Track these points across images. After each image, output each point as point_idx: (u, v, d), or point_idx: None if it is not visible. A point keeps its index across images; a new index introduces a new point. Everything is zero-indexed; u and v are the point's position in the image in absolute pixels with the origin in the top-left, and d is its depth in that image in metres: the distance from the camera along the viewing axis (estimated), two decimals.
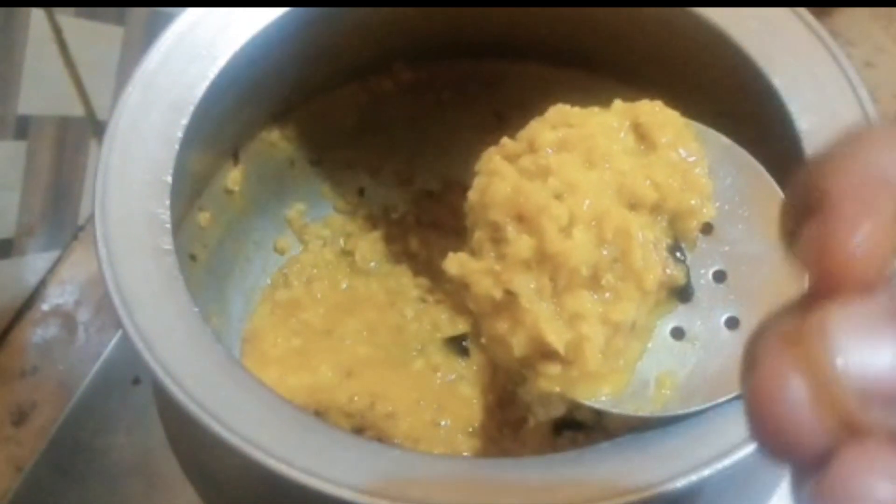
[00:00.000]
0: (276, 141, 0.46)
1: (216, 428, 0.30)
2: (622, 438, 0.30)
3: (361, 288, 0.48)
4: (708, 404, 0.30)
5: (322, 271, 0.48)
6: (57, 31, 0.49)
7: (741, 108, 0.37)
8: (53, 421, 0.49)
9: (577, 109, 0.31)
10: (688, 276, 0.31)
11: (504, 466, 0.30)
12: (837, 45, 0.37)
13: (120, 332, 0.51)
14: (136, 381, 0.50)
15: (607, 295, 0.29)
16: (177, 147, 0.36)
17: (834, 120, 0.35)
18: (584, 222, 0.29)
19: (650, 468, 0.29)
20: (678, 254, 0.31)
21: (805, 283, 0.17)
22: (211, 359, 0.31)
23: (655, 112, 0.30)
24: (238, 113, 0.42)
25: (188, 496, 0.40)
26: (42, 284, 0.54)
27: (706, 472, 0.29)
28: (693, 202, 0.31)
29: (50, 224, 0.53)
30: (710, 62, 0.39)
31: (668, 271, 0.30)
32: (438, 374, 0.45)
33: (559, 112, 0.31)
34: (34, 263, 0.53)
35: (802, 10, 0.37)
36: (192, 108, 0.36)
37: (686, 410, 0.30)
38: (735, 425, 0.29)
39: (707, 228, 0.32)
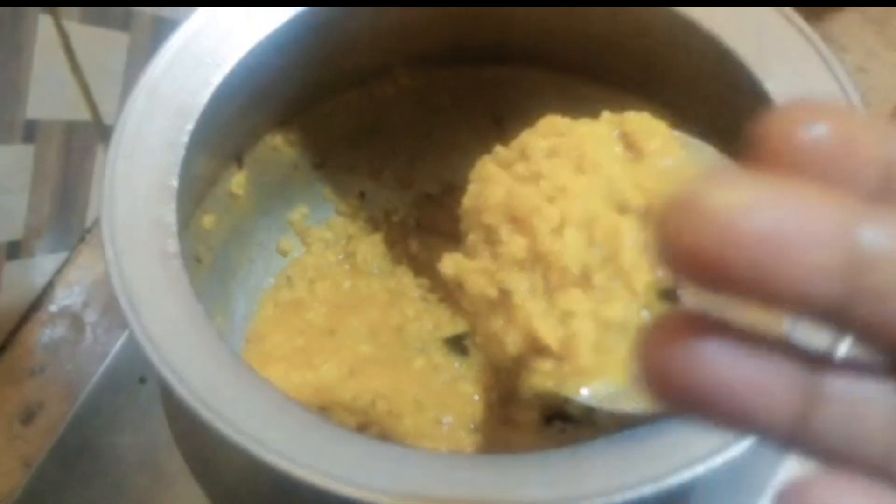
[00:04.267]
0: (280, 146, 0.46)
1: (221, 426, 0.30)
2: (616, 436, 0.30)
3: (363, 288, 0.48)
4: None
5: (324, 272, 0.48)
6: (64, 38, 0.49)
7: (734, 112, 0.37)
8: (61, 420, 0.49)
9: (567, 120, 0.31)
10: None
11: (502, 463, 0.30)
12: (830, 50, 0.37)
13: (126, 333, 0.51)
14: (143, 381, 0.50)
15: (598, 293, 0.29)
16: (182, 152, 0.36)
17: None
18: (575, 223, 0.29)
19: (644, 465, 0.29)
20: None
21: None
22: (216, 358, 0.32)
23: (642, 122, 0.31)
24: (242, 118, 0.42)
25: (194, 494, 0.40)
26: (50, 286, 0.54)
27: (699, 470, 0.29)
28: None
29: (57, 226, 0.53)
30: (704, 68, 0.39)
31: (657, 273, 0.31)
32: (440, 373, 0.45)
33: (550, 122, 0.31)
34: (42, 265, 0.53)
35: (795, 16, 0.38)
36: (197, 114, 0.37)
37: None
38: None
39: None
